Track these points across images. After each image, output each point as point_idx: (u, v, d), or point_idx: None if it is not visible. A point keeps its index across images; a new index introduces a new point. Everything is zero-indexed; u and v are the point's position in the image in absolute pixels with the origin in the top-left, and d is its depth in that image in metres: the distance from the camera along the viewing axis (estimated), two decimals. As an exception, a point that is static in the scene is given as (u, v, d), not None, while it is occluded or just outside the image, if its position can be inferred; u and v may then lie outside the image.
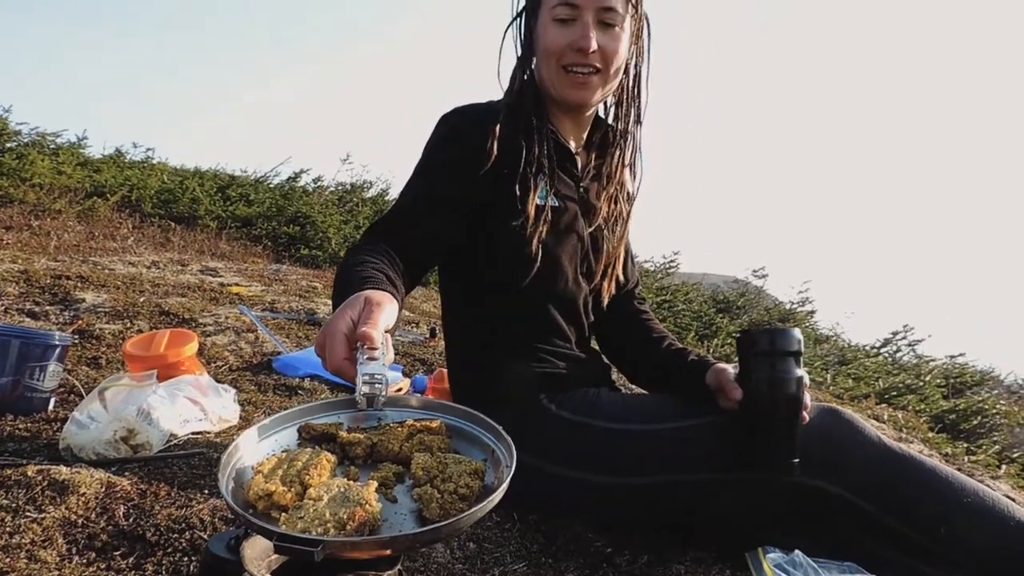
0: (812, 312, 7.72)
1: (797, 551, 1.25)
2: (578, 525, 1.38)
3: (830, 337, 7.93)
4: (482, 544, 1.24)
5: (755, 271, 7.89)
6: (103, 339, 2.35)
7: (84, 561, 0.99)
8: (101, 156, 8.00)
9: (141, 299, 2.74)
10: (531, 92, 1.47)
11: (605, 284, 1.58)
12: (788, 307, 7.42)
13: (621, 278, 1.63)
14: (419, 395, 0.97)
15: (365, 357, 0.84)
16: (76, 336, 2.29)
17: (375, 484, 0.74)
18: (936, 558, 1.26)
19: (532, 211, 1.40)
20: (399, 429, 0.85)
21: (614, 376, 1.69)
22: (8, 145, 6.51)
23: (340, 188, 8.67)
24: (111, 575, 0.97)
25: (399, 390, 2.46)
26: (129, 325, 2.49)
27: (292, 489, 0.73)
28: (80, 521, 1.07)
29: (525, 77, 1.49)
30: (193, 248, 5.47)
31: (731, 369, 1.37)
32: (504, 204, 1.40)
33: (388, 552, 0.69)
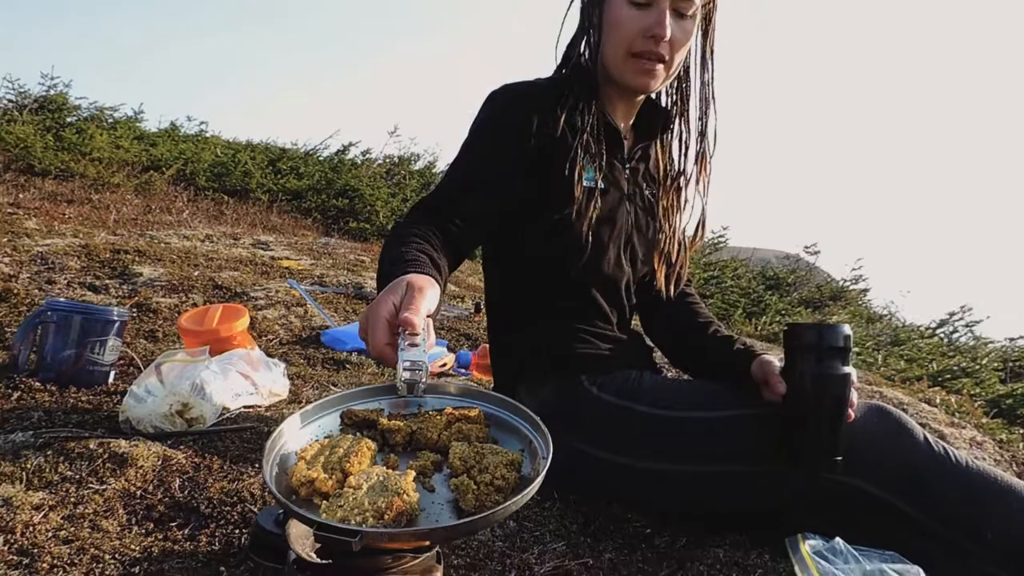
0: (865, 290, 7.54)
1: (838, 539, 1.24)
2: (617, 506, 1.39)
3: (884, 316, 7.75)
4: (522, 523, 1.26)
5: (807, 247, 7.72)
6: (160, 312, 2.43)
7: (143, 531, 1.04)
8: (157, 129, 8.20)
9: (195, 273, 2.82)
10: (587, 69, 1.46)
11: (657, 270, 1.57)
12: (840, 284, 7.25)
13: (674, 265, 1.59)
14: (458, 382, 0.98)
15: (407, 344, 0.86)
16: (134, 311, 2.38)
17: (413, 474, 0.76)
18: (981, 559, 1.24)
19: (581, 194, 1.39)
20: (438, 417, 0.87)
21: (656, 357, 1.69)
22: (69, 120, 6.70)
23: (388, 160, 8.73)
24: (167, 545, 1.01)
25: (443, 365, 2.49)
26: (184, 299, 2.57)
27: (333, 476, 0.75)
28: (139, 493, 1.12)
29: (584, 52, 1.47)
30: (245, 221, 5.59)
31: (776, 362, 1.34)
32: (551, 186, 1.40)
33: (425, 543, 0.71)
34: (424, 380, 0.85)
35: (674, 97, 1.53)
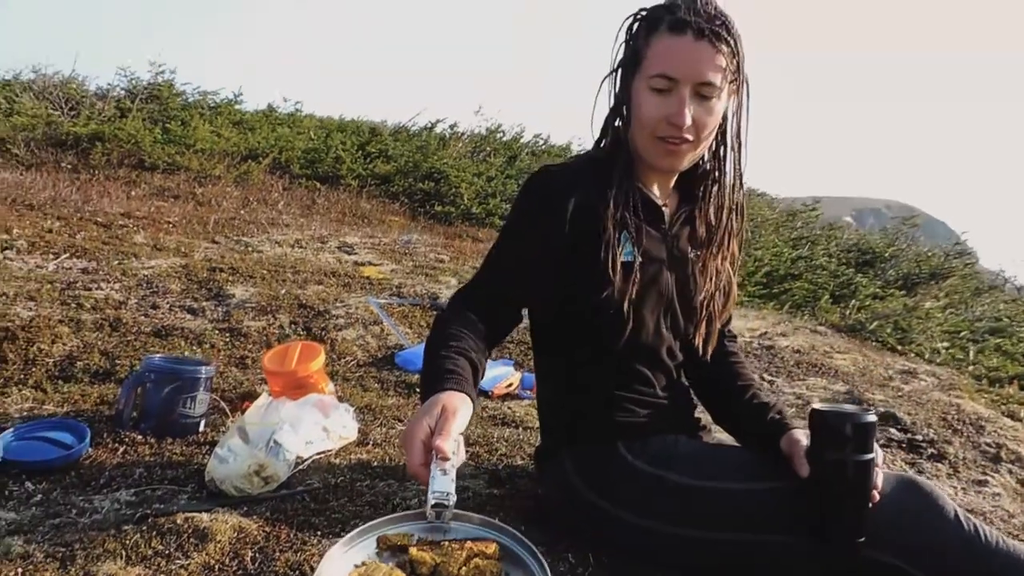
0: (970, 263, 7.18)
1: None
2: (648, 570, 1.49)
3: (992, 288, 7.37)
4: (554, 592, 1.38)
5: (905, 219, 7.39)
6: (249, 336, 2.66)
7: (219, 604, 1.22)
8: (254, 111, 8.60)
9: (282, 291, 3.05)
10: (621, 148, 1.50)
11: (696, 330, 1.61)
12: (942, 259, 6.93)
13: (714, 322, 1.64)
14: (480, 516, 1.11)
15: (438, 470, 0.99)
16: (227, 335, 2.62)
17: (433, 609, 0.89)
18: None
19: (618, 273, 1.46)
20: (459, 552, 0.99)
21: (699, 411, 1.74)
22: (174, 111, 7.12)
23: (474, 136, 8.85)
24: (239, 620, 1.19)
25: (509, 385, 2.62)
26: (272, 320, 2.79)
27: (364, 609, 0.89)
28: (217, 566, 1.30)
29: (617, 132, 1.52)
30: (336, 210, 5.85)
31: (804, 440, 1.38)
32: (589, 268, 1.47)
33: None
34: (450, 510, 0.98)
35: (711, 162, 1.55)
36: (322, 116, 9.33)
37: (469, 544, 1.01)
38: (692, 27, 1.36)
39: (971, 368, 3.95)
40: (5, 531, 1.35)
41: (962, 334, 4.71)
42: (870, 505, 1.30)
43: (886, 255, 6.85)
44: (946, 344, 4.35)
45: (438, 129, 8.93)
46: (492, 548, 1.01)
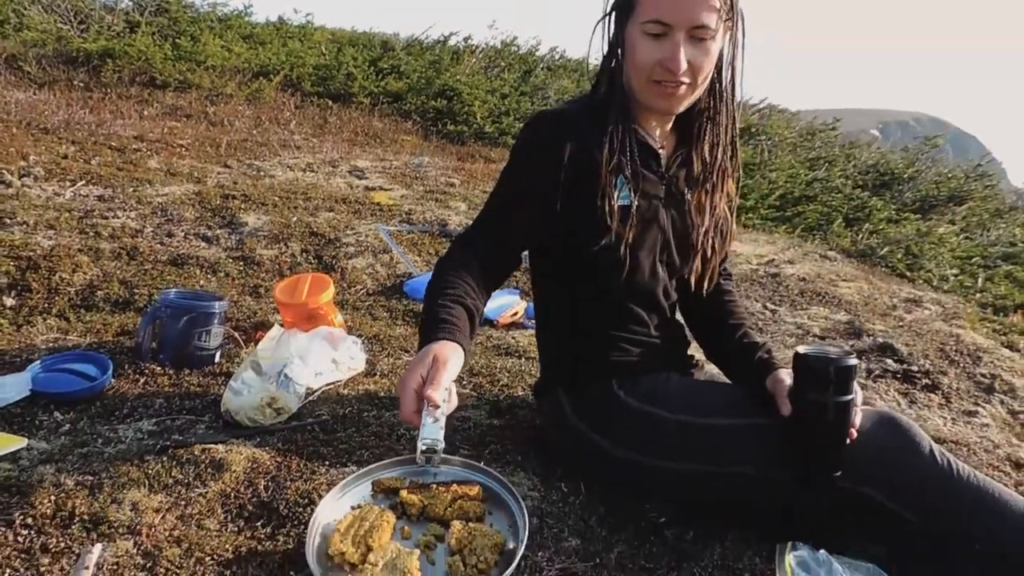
0: (991, 185, 7.07)
1: (822, 551, 1.39)
2: (637, 501, 1.59)
3: (1013, 210, 7.27)
4: (544, 519, 1.48)
5: (928, 139, 7.24)
6: (262, 265, 2.74)
7: (235, 529, 1.33)
8: (264, 24, 8.45)
9: (294, 219, 3.10)
10: (617, 91, 1.51)
11: (690, 269, 1.65)
12: (962, 180, 6.82)
13: (710, 260, 1.68)
14: (465, 460, 1.19)
15: (429, 419, 1.07)
16: (240, 263, 2.69)
17: (417, 553, 0.98)
18: (969, 567, 1.37)
19: (615, 216, 1.49)
20: (445, 494, 1.08)
21: (693, 348, 1.81)
22: (184, 27, 7.02)
23: (488, 50, 8.66)
24: (254, 543, 1.30)
25: (514, 314, 2.69)
26: (284, 249, 2.86)
27: (359, 550, 0.98)
28: (232, 494, 1.41)
29: (612, 76, 1.52)
30: (348, 129, 5.83)
31: (787, 380, 1.45)
32: (586, 211, 1.51)
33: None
34: (439, 455, 1.06)
35: (706, 101, 1.54)
36: (334, 28, 9.16)
37: (455, 487, 1.10)
38: None
39: (978, 296, 3.97)
40: (38, 460, 1.47)
41: (973, 260, 4.70)
42: (847, 442, 1.38)
43: (905, 176, 6.75)
44: (955, 271, 4.36)
45: (452, 42, 8.75)
46: (475, 490, 1.10)
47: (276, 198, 3.34)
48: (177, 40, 6.61)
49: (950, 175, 7.02)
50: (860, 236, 5.04)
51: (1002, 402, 2.56)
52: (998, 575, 1.35)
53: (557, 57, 9.23)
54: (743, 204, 5.29)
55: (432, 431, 1.05)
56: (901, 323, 3.15)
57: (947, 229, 5.31)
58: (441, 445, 1.05)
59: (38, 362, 1.78)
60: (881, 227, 5.33)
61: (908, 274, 4.25)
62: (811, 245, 4.63)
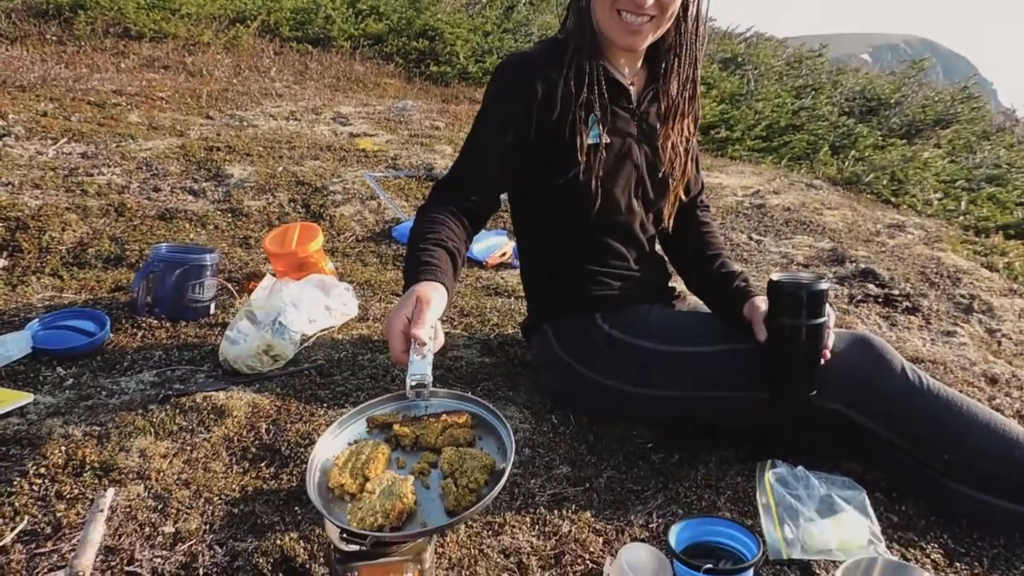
0: (977, 107, 7.05)
1: (800, 466, 1.47)
2: (624, 424, 1.66)
3: (1000, 132, 7.27)
4: (536, 449, 1.55)
5: (914, 63, 7.17)
6: (251, 216, 2.76)
7: (241, 470, 1.40)
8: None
9: (279, 169, 3.11)
10: (585, 29, 1.53)
11: (666, 203, 1.70)
12: (948, 104, 6.79)
13: (683, 197, 1.73)
14: (453, 391, 1.25)
15: (416, 356, 1.12)
16: (229, 215, 2.71)
17: (411, 479, 1.04)
18: (941, 474, 1.45)
19: (586, 153, 1.53)
20: (435, 424, 1.14)
21: (674, 279, 1.86)
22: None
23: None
24: (258, 484, 1.37)
25: (503, 254, 2.73)
26: (271, 199, 2.88)
27: (357, 480, 1.05)
28: (236, 438, 1.47)
29: (580, 13, 1.53)
30: (329, 74, 5.75)
31: (764, 307, 1.51)
32: (559, 149, 1.54)
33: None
34: (428, 388, 1.11)
35: (673, 38, 1.56)
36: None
37: (444, 416, 1.16)
38: None
39: (961, 219, 4.02)
40: (45, 413, 1.52)
41: (957, 183, 4.74)
42: (821, 363, 1.44)
43: (891, 101, 6.71)
44: (939, 195, 4.40)
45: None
46: (464, 418, 1.16)
47: (260, 148, 3.33)
48: (149, -12, 6.45)
49: (937, 98, 6.98)
50: (846, 164, 5.05)
51: (980, 321, 2.63)
52: (967, 483, 1.43)
53: (539, -9, 9.03)
54: (729, 136, 5.28)
55: (420, 367, 1.10)
56: (884, 248, 3.20)
57: (932, 153, 5.32)
58: (429, 379, 1.09)
59: (37, 320, 1.82)
60: (867, 154, 5.34)
61: (893, 200, 4.29)
62: (797, 175, 4.66)
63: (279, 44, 6.29)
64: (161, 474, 1.35)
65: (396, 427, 1.15)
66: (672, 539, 1.17)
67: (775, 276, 1.46)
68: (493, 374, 1.83)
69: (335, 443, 1.15)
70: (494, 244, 2.75)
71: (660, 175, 1.65)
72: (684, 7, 1.51)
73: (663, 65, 1.58)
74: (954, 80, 9.03)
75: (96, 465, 1.35)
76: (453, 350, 1.94)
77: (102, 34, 5.69)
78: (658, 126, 1.63)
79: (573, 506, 1.38)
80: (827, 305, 1.44)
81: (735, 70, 6.93)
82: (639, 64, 1.62)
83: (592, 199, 1.55)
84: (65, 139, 3.17)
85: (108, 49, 5.42)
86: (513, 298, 2.35)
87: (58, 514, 1.24)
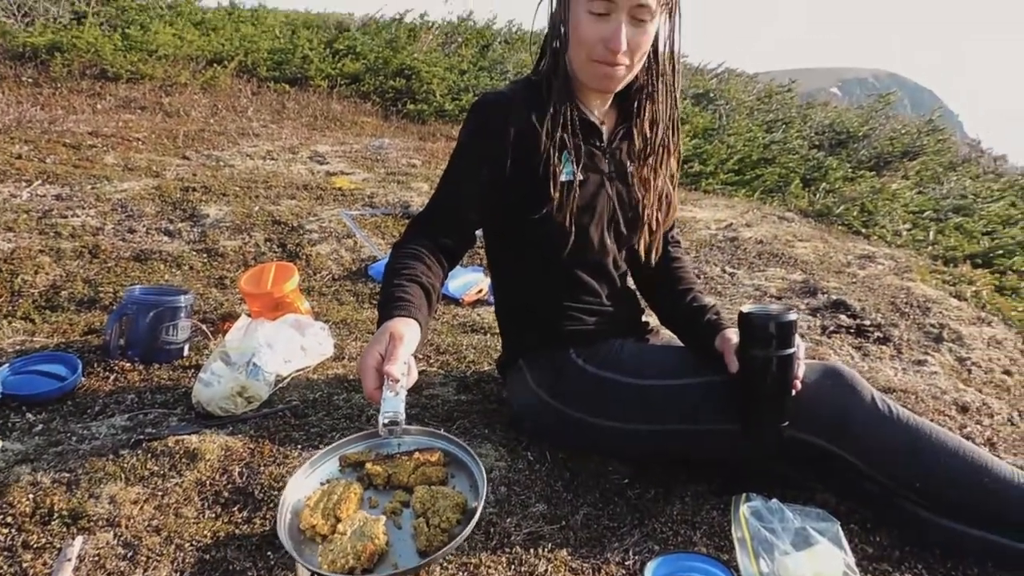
0: (943, 139, 7.23)
1: (774, 499, 1.48)
2: (600, 460, 1.67)
3: (966, 162, 7.45)
4: (512, 488, 1.55)
5: (881, 96, 7.36)
6: (226, 256, 2.75)
7: (213, 515, 1.38)
8: (216, 8, 8.30)
9: (256, 208, 3.11)
10: (559, 70, 1.56)
11: (640, 238, 1.72)
12: (915, 136, 6.96)
13: (656, 232, 1.75)
14: (426, 428, 1.25)
15: (390, 393, 1.12)
16: (204, 256, 2.71)
17: (384, 519, 1.04)
18: (913, 503, 1.47)
19: (559, 190, 1.56)
20: (408, 462, 1.14)
21: (647, 314, 1.87)
22: (132, 16, 6.88)
23: (444, 26, 8.60)
24: (231, 528, 1.35)
25: (479, 291, 2.74)
26: (247, 239, 2.88)
27: (328, 521, 1.04)
28: (208, 482, 1.46)
29: (555, 54, 1.57)
30: (307, 113, 5.80)
31: (735, 339, 1.53)
32: (533, 188, 1.56)
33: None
34: (401, 426, 1.11)
35: (644, 79, 1.60)
36: (287, 10, 9.02)
37: (417, 454, 1.16)
38: None
39: (929, 249, 4.10)
40: (13, 460, 1.50)
41: (926, 214, 4.83)
42: (792, 393, 1.46)
43: (860, 134, 6.87)
44: (908, 226, 4.48)
45: (408, 19, 8.67)
46: (436, 456, 1.16)
47: (237, 188, 3.34)
48: (127, 30, 6.49)
49: (904, 131, 7.16)
50: (817, 196, 5.15)
51: (950, 350, 2.68)
52: (938, 512, 1.45)
53: (515, 30, 9.18)
54: (702, 170, 5.37)
55: (393, 404, 1.10)
56: (855, 279, 3.26)
57: (900, 184, 5.44)
58: (402, 416, 1.10)
59: (6, 365, 1.80)
60: (837, 186, 5.45)
61: (864, 231, 4.37)
62: (770, 207, 4.73)
63: (256, 84, 6.34)
64: (131, 521, 1.34)
65: (368, 465, 1.15)
66: (648, 576, 1.18)
67: (745, 308, 1.49)
68: (469, 411, 1.83)
69: (307, 483, 1.14)
70: (471, 281, 2.76)
71: (632, 212, 1.68)
72: (654, 48, 1.55)
73: (635, 104, 1.62)
74: (921, 113, 9.26)
75: (64, 513, 1.34)
76: (429, 388, 1.94)
77: (79, 76, 5.70)
78: (629, 164, 1.66)
79: (549, 544, 1.37)
80: (796, 336, 1.47)
81: (707, 105, 7.07)
82: (608, 104, 1.66)
83: (566, 235, 1.57)
84: (40, 181, 3.16)
85: (85, 91, 5.43)
86: (490, 335, 2.36)
87: (24, 564, 1.21)
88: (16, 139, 3.76)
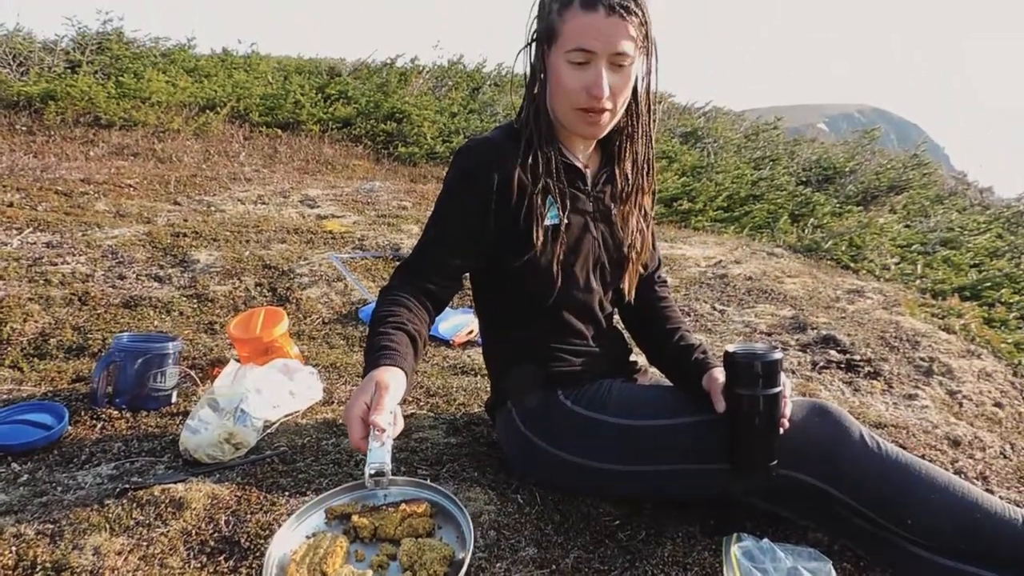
0: (928, 173, 7.33)
1: (766, 539, 1.47)
2: (590, 502, 1.65)
3: (952, 196, 7.54)
4: (501, 531, 1.53)
5: (866, 132, 7.48)
6: (216, 301, 2.75)
7: (198, 565, 1.36)
8: (209, 56, 8.43)
9: (246, 253, 3.13)
10: (541, 116, 1.59)
11: (625, 280, 1.74)
12: (901, 171, 7.05)
13: (641, 271, 1.77)
14: (413, 479, 1.25)
15: (376, 443, 1.12)
16: (194, 301, 2.71)
17: (370, 573, 1.03)
18: (905, 539, 1.46)
19: (544, 236, 1.57)
20: (394, 514, 1.13)
21: (635, 354, 1.88)
22: (126, 64, 6.98)
23: (435, 70, 8.74)
24: (217, 578, 1.33)
25: (470, 332, 2.75)
26: (237, 284, 2.88)
27: (314, 576, 1.03)
28: (194, 531, 1.44)
29: (536, 101, 1.60)
30: (299, 157, 5.85)
31: (722, 379, 1.54)
32: (518, 233, 1.58)
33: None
34: (387, 477, 1.11)
35: (624, 120, 1.62)
36: (279, 56, 9.17)
37: (404, 506, 1.15)
38: (603, 3, 1.43)
39: (917, 282, 4.13)
40: (-3, 513, 1.48)
41: (913, 247, 4.88)
42: (780, 432, 1.46)
43: (846, 169, 6.96)
44: (896, 259, 4.52)
45: (399, 64, 8.82)
46: (423, 507, 1.15)
47: (227, 233, 3.36)
48: (120, 78, 6.58)
49: (890, 165, 7.26)
50: (806, 231, 5.19)
51: (940, 383, 2.68)
52: (929, 548, 1.44)
53: (504, 73, 9.34)
54: (691, 207, 5.42)
55: (379, 455, 1.10)
56: (844, 314, 3.27)
57: (888, 219, 5.50)
58: (388, 467, 1.10)
59: (-8, 415, 1.79)
60: (825, 221, 5.51)
61: (852, 265, 4.41)
62: (759, 243, 4.77)
63: (248, 129, 6.41)
64: (115, 572, 1.32)
65: (355, 518, 1.14)
66: (637, 620, 1.16)
67: (730, 347, 1.50)
68: (459, 455, 1.82)
69: (293, 536, 1.14)
70: (460, 323, 2.77)
71: (617, 253, 1.70)
72: (634, 93, 1.58)
73: (616, 147, 1.65)
74: (906, 147, 9.40)
75: (48, 565, 1.32)
76: (419, 431, 1.93)
77: (72, 124, 5.76)
78: (613, 206, 1.68)
79: (539, 589, 1.36)
80: (782, 374, 1.47)
81: (695, 143, 7.18)
82: (592, 147, 1.68)
83: (552, 279, 1.59)
84: (31, 229, 3.17)
85: (78, 138, 5.48)
86: (480, 376, 2.36)
87: (6, 620, 1.19)
88: (8, 187, 3.79)
